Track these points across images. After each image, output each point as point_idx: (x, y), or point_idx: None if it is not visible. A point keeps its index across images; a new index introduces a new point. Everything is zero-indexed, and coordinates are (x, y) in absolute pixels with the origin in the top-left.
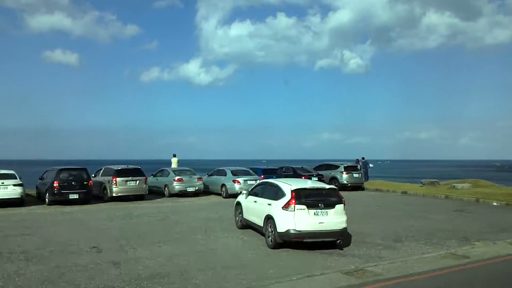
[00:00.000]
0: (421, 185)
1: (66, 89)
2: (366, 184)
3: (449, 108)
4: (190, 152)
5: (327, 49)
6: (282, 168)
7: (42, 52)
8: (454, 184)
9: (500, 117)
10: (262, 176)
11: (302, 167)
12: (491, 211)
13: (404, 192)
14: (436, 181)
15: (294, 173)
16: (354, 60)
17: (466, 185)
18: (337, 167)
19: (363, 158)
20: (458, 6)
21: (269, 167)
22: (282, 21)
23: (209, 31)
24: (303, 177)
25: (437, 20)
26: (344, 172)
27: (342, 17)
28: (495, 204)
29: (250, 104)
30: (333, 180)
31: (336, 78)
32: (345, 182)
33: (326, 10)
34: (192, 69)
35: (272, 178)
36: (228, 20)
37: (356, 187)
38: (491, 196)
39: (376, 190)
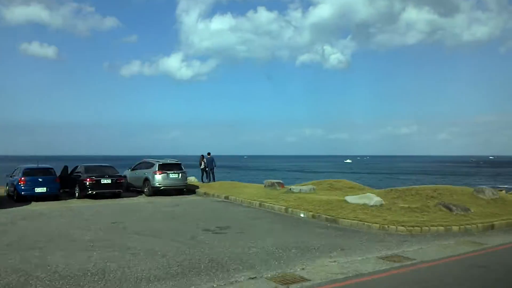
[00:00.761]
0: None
1: (43, 83)
2: (206, 187)
3: (429, 104)
4: (173, 148)
5: (308, 44)
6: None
7: (19, 45)
8: (291, 187)
9: (479, 112)
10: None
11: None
12: (272, 228)
13: (227, 197)
14: (279, 182)
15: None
16: (335, 56)
17: (305, 187)
18: (152, 165)
19: (208, 154)
20: (436, 1)
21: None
22: (263, 15)
23: (190, 24)
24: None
25: (416, 16)
26: (157, 172)
27: (322, 12)
28: (302, 215)
29: (232, 99)
30: (146, 182)
31: (318, 74)
32: (157, 184)
33: (306, 5)
34: (173, 63)
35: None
36: (209, 13)
37: (176, 190)
38: (310, 203)
39: (204, 194)
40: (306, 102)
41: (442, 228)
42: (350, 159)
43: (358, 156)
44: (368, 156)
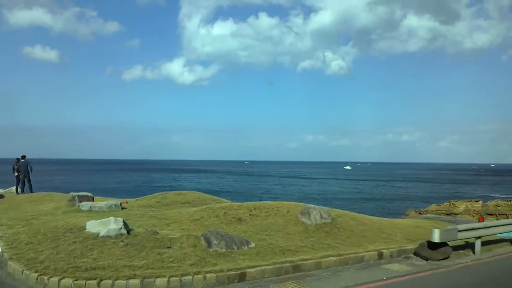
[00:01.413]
0: None
1: (46, 86)
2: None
3: (430, 111)
4: (174, 153)
5: (309, 51)
6: None
7: (22, 48)
8: (81, 204)
9: (480, 121)
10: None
11: None
12: None
13: None
14: (85, 196)
15: None
16: (336, 62)
17: (105, 204)
18: None
19: (23, 158)
20: (437, 9)
21: None
22: (264, 21)
23: (192, 30)
24: None
25: (417, 23)
26: None
27: (324, 18)
28: None
29: (234, 104)
30: None
31: (319, 80)
32: None
33: (308, 11)
34: (175, 68)
35: None
36: (211, 19)
37: None
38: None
39: None
40: (307, 108)
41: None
42: (349, 166)
43: (359, 162)
44: (370, 162)
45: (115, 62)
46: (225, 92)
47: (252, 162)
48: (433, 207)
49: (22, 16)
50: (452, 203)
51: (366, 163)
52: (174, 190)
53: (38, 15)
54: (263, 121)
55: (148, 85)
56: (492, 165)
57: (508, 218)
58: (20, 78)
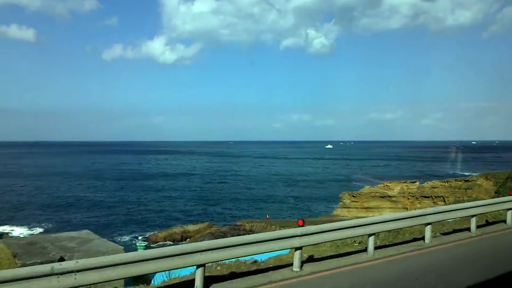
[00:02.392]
0: None
1: (23, 66)
2: None
3: (413, 89)
4: (158, 134)
5: (292, 28)
6: None
7: None
8: None
9: (462, 98)
10: None
11: None
12: None
13: None
14: None
15: None
16: (318, 40)
17: None
18: None
19: None
20: None
21: None
22: None
23: (172, 7)
24: None
25: (399, 0)
26: None
27: None
28: None
29: (217, 83)
30: None
31: (302, 58)
32: None
33: None
34: (157, 46)
35: None
36: None
37: None
38: None
39: None
40: (291, 88)
41: None
42: (331, 145)
43: (342, 141)
44: (353, 141)
45: (94, 41)
46: (208, 72)
47: (237, 143)
48: (367, 189)
49: None
50: (386, 185)
51: (349, 142)
52: (135, 173)
53: None
54: (248, 101)
55: (128, 64)
56: (473, 142)
57: (444, 202)
58: None
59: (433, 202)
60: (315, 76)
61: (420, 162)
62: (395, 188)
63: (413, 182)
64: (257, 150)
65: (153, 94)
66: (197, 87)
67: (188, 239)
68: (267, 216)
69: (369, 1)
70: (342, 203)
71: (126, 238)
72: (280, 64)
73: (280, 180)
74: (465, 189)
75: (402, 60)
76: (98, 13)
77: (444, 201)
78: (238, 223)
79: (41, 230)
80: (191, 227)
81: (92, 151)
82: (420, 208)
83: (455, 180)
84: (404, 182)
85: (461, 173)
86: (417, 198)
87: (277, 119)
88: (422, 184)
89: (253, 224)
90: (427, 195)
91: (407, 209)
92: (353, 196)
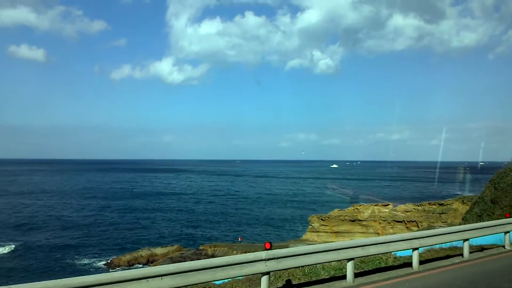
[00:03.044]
0: None
1: (33, 86)
2: None
3: (420, 110)
4: (166, 152)
5: (297, 50)
6: None
7: (7, 47)
8: None
9: (470, 119)
10: None
11: None
12: None
13: None
14: None
15: None
16: (324, 61)
17: None
18: None
19: None
20: (422, 8)
21: None
22: (251, 19)
23: (179, 29)
24: None
25: (403, 22)
26: None
27: (310, 17)
28: None
29: (224, 103)
30: None
31: (308, 79)
32: None
33: (295, 10)
34: (164, 67)
35: None
36: (199, 18)
37: None
38: None
39: None
40: (298, 107)
41: None
42: (336, 164)
43: (349, 161)
44: (359, 161)
45: (103, 61)
46: (215, 91)
47: (244, 161)
48: (336, 212)
49: (7, 15)
50: (356, 208)
51: (356, 161)
52: (126, 192)
53: (23, 14)
54: (254, 120)
55: (136, 85)
56: (481, 163)
57: (418, 227)
58: (6, 77)
59: (406, 227)
60: (321, 97)
61: (425, 182)
62: (366, 211)
63: (386, 205)
64: (261, 169)
65: (162, 113)
66: (204, 106)
67: (153, 263)
68: (239, 239)
69: (373, 23)
70: (311, 226)
71: (85, 260)
72: (286, 85)
73: (271, 200)
74: (440, 213)
75: (408, 81)
76: (106, 34)
77: (418, 226)
78: (201, 247)
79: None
80: (159, 250)
81: (96, 169)
82: (392, 233)
83: (429, 203)
84: (376, 205)
85: (469, 194)
86: (389, 223)
87: (284, 138)
88: (395, 207)
89: (216, 248)
90: (399, 220)
91: (378, 234)
92: (322, 219)
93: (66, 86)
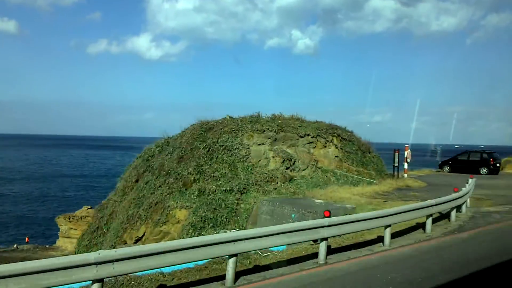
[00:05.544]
0: None
1: (4, 58)
2: None
3: (400, 92)
4: (147, 130)
5: (276, 29)
6: None
7: None
8: None
9: (449, 102)
10: None
11: None
12: None
13: None
14: None
15: None
16: (303, 41)
17: None
18: None
19: None
20: None
21: None
22: None
23: (156, 3)
24: None
25: (382, 4)
26: None
27: None
28: None
29: (204, 81)
30: None
31: (287, 58)
32: None
33: None
34: (143, 43)
35: None
36: None
37: None
38: None
39: None
40: (276, 87)
41: None
42: None
43: None
44: None
45: (78, 35)
46: (194, 69)
47: None
48: (84, 210)
49: None
50: None
51: None
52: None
53: None
54: (234, 99)
55: (113, 60)
56: (456, 146)
57: None
58: None
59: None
60: (300, 77)
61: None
62: None
63: None
64: None
65: (141, 90)
66: (184, 84)
67: None
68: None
69: (352, 4)
70: (61, 230)
71: None
72: (266, 63)
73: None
74: None
75: (389, 64)
76: (80, 7)
77: None
78: None
79: None
80: None
81: (53, 145)
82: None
83: None
84: None
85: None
86: None
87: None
88: None
89: None
90: None
91: None
92: (69, 220)
93: (41, 60)
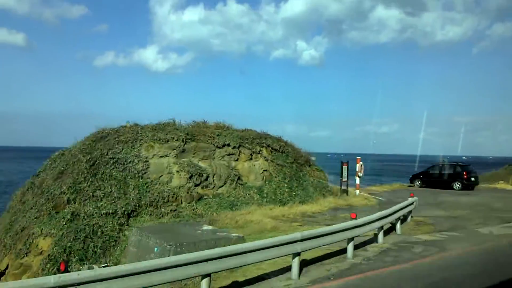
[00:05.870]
0: None
1: (13, 70)
2: None
3: (407, 103)
4: None
5: (281, 40)
6: None
7: None
8: None
9: (457, 113)
10: None
11: None
12: None
13: None
14: None
15: None
16: (308, 52)
17: None
18: None
19: None
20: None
21: None
22: (233, 8)
23: (162, 15)
24: None
25: (386, 14)
26: None
27: (294, 6)
28: None
29: (210, 92)
30: None
31: (292, 69)
32: None
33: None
34: (149, 55)
35: None
36: (183, 4)
37: None
38: None
39: None
40: (283, 99)
41: None
42: (314, 156)
43: (330, 153)
44: (344, 153)
45: (85, 47)
46: (201, 81)
47: None
48: None
49: None
50: None
51: (341, 154)
52: None
53: None
54: (241, 111)
55: (120, 72)
56: (464, 157)
57: None
58: None
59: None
60: (306, 88)
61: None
62: None
63: None
64: None
65: (147, 101)
66: (189, 95)
67: None
68: None
69: (356, 14)
70: None
71: None
72: (272, 75)
73: None
74: None
75: (395, 74)
76: (87, 19)
77: None
78: None
79: None
80: None
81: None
82: None
83: None
84: None
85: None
86: None
87: (271, 129)
88: None
89: None
90: None
91: None
92: None
93: (47, 72)
